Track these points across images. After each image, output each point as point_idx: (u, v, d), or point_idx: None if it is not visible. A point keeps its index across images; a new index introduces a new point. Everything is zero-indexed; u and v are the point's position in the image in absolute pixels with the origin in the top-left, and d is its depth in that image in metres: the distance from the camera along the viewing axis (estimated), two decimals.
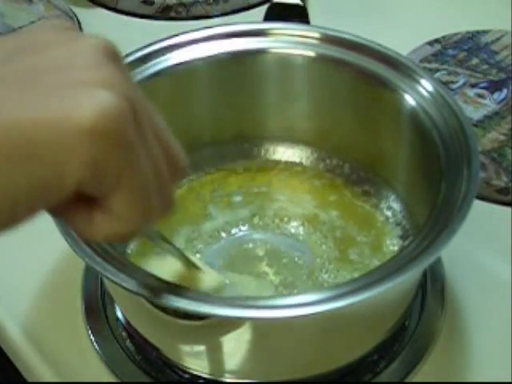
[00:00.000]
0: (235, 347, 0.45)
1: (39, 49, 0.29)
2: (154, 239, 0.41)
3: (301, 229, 0.55)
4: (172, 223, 0.54)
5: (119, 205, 0.30)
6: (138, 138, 0.29)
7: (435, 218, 0.43)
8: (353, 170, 0.58)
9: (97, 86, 0.28)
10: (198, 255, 0.52)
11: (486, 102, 0.67)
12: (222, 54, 0.55)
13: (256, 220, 0.55)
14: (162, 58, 0.54)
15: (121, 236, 0.31)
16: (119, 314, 0.52)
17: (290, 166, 0.59)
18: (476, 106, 0.66)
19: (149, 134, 0.31)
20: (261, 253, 0.53)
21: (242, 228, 0.55)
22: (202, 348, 0.47)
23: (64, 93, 0.28)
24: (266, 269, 0.52)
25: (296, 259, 0.52)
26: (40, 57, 0.29)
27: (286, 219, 0.55)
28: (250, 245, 0.53)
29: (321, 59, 0.55)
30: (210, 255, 0.53)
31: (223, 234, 0.54)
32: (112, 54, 0.31)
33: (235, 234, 0.54)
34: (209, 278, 0.46)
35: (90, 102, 0.28)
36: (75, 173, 0.28)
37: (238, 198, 0.57)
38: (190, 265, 0.46)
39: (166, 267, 0.45)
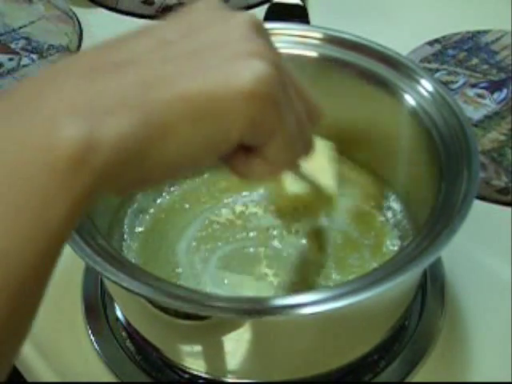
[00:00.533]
0: (235, 347, 0.45)
1: (200, 29, 0.35)
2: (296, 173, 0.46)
3: (301, 228, 0.55)
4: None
5: (273, 152, 0.36)
6: (286, 98, 0.35)
7: (435, 218, 0.43)
8: (352, 169, 0.57)
9: (251, 57, 0.34)
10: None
11: (486, 102, 0.67)
12: None
13: (254, 220, 0.55)
14: None
15: (271, 176, 0.38)
16: (119, 314, 0.52)
17: None
18: (476, 106, 0.66)
19: (292, 93, 0.36)
20: (261, 254, 0.53)
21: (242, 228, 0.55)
22: (202, 348, 0.47)
23: (225, 65, 0.33)
24: (266, 270, 0.51)
25: (296, 260, 0.52)
26: (201, 36, 0.35)
27: (286, 218, 0.55)
28: (251, 248, 0.53)
29: (321, 59, 0.55)
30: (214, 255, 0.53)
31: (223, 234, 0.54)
32: (260, 29, 0.36)
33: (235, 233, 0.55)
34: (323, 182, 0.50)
35: (246, 70, 0.33)
36: (239, 128, 0.33)
37: (238, 198, 0.57)
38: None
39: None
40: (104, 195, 0.32)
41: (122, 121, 0.30)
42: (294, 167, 0.41)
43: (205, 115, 0.33)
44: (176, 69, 0.33)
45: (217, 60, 0.34)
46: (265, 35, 0.36)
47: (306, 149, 0.39)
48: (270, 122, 0.35)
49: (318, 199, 0.52)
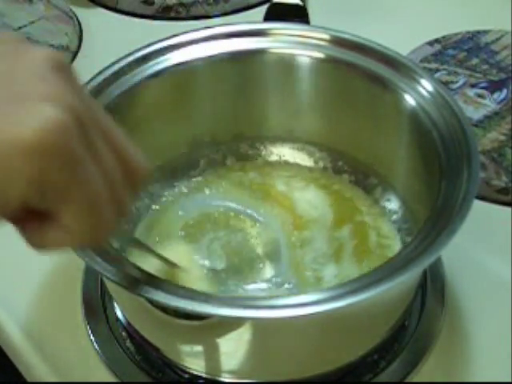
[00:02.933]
0: (235, 347, 0.45)
1: None
2: (125, 245, 0.42)
3: (300, 228, 0.55)
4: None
5: (67, 218, 0.30)
6: (86, 151, 0.29)
7: (435, 218, 0.43)
8: (353, 169, 0.58)
9: (39, 100, 0.28)
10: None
11: (486, 102, 0.67)
12: (222, 54, 0.56)
13: (254, 220, 0.55)
14: (162, 58, 0.54)
15: (72, 245, 0.32)
16: (119, 314, 0.52)
17: (289, 165, 0.59)
18: (476, 106, 0.66)
19: (99, 144, 0.30)
20: (259, 251, 0.53)
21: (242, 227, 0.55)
22: (202, 348, 0.47)
23: (5, 108, 0.27)
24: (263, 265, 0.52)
25: (295, 256, 0.52)
26: None
27: (286, 219, 0.55)
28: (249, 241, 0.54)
29: (321, 59, 0.55)
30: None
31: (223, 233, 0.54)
32: (59, 66, 0.30)
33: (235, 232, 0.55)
34: (191, 278, 0.47)
35: (31, 117, 0.27)
36: (18, 190, 0.28)
37: (237, 198, 0.57)
38: (170, 264, 0.47)
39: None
40: None
41: None
42: (100, 235, 0.32)
43: None
44: None
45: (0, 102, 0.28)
46: (66, 74, 0.30)
47: (117, 217, 0.32)
48: (61, 182, 0.28)
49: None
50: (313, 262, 0.52)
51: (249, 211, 0.56)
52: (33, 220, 0.30)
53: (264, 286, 0.50)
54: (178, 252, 0.50)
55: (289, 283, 0.51)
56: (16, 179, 0.27)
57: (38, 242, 0.31)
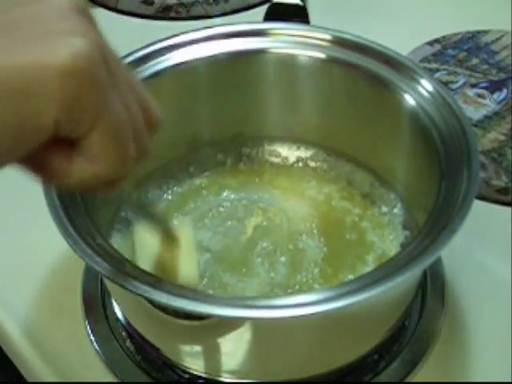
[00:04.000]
0: (235, 347, 0.45)
1: (16, 5, 0.31)
2: (135, 214, 0.43)
3: (301, 228, 0.55)
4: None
5: (95, 145, 0.31)
6: (110, 82, 0.31)
7: (435, 218, 0.43)
8: (353, 169, 0.58)
9: (69, 34, 0.30)
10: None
11: (486, 101, 0.67)
12: (222, 54, 0.56)
13: (254, 220, 0.55)
14: (162, 58, 0.54)
15: (96, 179, 0.32)
16: (119, 314, 0.52)
17: (289, 165, 0.59)
18: (476, 106, 0.66)
19: (121, 81, 0.32)
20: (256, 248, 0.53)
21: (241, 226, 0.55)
22: (201, 348, 0.47)
23: (39, 41, 0.30)
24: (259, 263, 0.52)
25: (296, 256, 0.52)
26: (16, 13, 0.31)
27: (286, 219, 0.55)
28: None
29: (321, 59, 0.55)
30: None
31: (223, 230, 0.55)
32: (83, 10, 0.32)
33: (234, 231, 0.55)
34: (185, 272, 0.46)
35: (62, 46, 0.30)
36: (51, 111, 0.29)
37: (237, 199, 0.57)
38: (171, 241, 0.46)
39: (146, 248, 0.46)
40: None
41: None
42: (124, 171, 0.34)
43: (11, 93, 0.29)
44: None
45: (31, 37, 0.30)
46: (88, 17, 0.32)
47: (139, 154, 0.34)
48: (90, 107, 0.30)
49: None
50: (312, 261, 0.52)
51: (249, 211, 0.56)
52: (60, 152, 0.31)
53: (255, 281, 0.50)
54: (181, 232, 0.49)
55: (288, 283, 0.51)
56: (49, 102, 0.29)
57: (64, 173, 0.32)
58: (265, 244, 0.53)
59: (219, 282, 0.50)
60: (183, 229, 0.48)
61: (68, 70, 0.29)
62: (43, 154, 0.31)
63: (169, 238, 0.46)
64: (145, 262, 0.46)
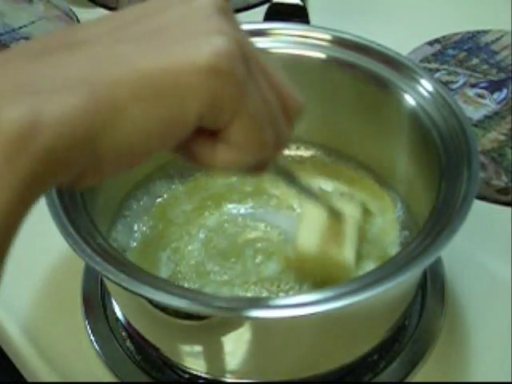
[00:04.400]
0: (235, 347, 0.45)
1: (160, 10, 0.34)
2: (289, 179, 0.45)
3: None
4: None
5: (236, 134, 0.33)
6: (249, 77, 0.33)
7: (435, 218, 0.43)
8: (352, 169, 0.58)
9: (212, 33, 0.32)
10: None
11: (486, 101, 0.67)
12: None
13: (253, 219, 0.55)
14: None
15: (237, 164, 0.35)
16: (119, 314, 0.52)
17: (289, 165, 0.59)
18: (476, 106, 0.66)
19: (259, 75, 0.35)
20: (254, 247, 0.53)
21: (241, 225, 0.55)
22: (201, 348, 0.47)
23: (184, 42, 0.32)
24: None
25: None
26: (161, 17, 0.33)
27: (285, 218, 0.55)
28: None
29: (321, 59, 0.55)
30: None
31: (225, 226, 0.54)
32: (224, 9, 0.34)
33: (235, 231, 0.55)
34: (342, 256, 0.48)
35: (206, 45, 0.32)
36: (196, 108, 0.32)
37: (237, 198, 0.57)
38: (333, 213, 0.48)
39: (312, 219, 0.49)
40: (59, 184, 0.30)
41: (68, 99, 0.29)
42: (264, 156, 0.36)
43: (159, 92, 0.31)
44: (131, 47, 0.32)
45: (175, 37, 0.32)
46: (229, 16, 0.35)
47: (278, 143, 0.36)
48: (230, 101, 0.32)
49: (329, 269, 0.48)
50: None
51: (249, 211, 0.56)
52: (205, 141, 0.34)
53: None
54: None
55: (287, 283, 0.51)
56: (195, 95, 0.31)
57: (209, 160, 0.34)
58: (259, 245, 0.53)
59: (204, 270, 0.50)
60: (351, 213, 0.50)
61: (210, 69, 0.31)
62: (189, 142, 0.34)
63: (334, 215, 0.48)
64: (307, 232, 0.48)
